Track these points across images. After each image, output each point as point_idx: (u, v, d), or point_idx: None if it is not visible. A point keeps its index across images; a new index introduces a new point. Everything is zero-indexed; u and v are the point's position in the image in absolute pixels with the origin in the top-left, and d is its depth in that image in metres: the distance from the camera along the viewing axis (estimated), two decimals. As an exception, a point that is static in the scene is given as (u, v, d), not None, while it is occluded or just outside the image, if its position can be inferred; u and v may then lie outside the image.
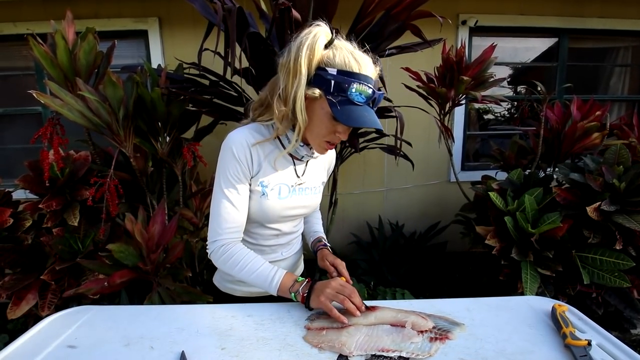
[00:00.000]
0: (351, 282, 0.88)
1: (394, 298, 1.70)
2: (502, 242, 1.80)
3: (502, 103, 2.48)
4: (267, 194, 0.85)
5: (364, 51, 0.78)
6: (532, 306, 0.79)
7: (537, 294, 1.65)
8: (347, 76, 0.73)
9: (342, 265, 0.94)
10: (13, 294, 1.65)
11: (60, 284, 1.71)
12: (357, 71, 0.73)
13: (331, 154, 1.02)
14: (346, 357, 0.64)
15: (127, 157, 1.73)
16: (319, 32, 0.74)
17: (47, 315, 1.71)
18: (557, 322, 0.70)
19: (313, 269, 2.38)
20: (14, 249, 1.68)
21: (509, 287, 1.81)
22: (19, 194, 1.99)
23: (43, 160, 1.57)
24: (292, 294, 0.79)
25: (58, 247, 1.69)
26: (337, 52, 0.74)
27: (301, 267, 1.13)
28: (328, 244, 1.05)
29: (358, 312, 0.73)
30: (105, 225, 1.77)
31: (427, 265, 2.45)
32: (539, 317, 0.75)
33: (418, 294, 2.07)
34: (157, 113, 1.61)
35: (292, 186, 0.89)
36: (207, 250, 0.86)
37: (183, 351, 0.67)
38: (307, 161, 0.92)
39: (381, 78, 1.44)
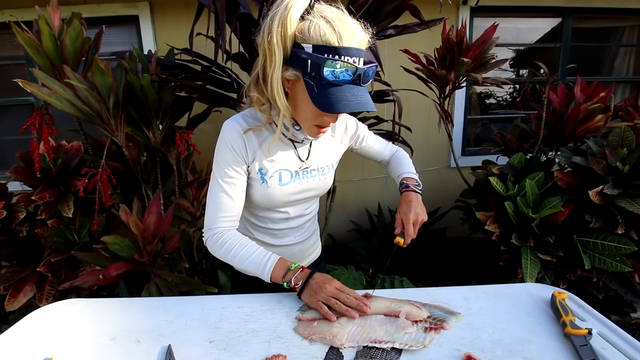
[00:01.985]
0: (405, 245, 0.81)
1: (393, 286, 1.69)
2: (502, 227, 1.77)
3: (503, 86, 2.42)
4: (267, 181, 0.82)
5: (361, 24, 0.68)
6: (531, 294, 0.77)
7: (537, 280, 1.63)
8: (325, 52, 0.63)
9: (411, 222, 0.82)
10: (10, 286, 1.65)
11: (57, 275, 1.71)
12: (337, 44, 0.63)
13: (344, 122, 0.93)
14: (337, 349, 0.62)
15: (120, 147, 1.69)
16: (292, 1, 0.65)
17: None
18: (556, 310, 0.68)
19: (333, 256, 2.37)
20: (9, 241, 1.66)
21: (509, 272, 1.79)
22: (15, 186, 1.97)
23: (33, 151, 1.54)
24: (285, 283, 0.76)
25: (53, 239, 1.67)
26: (311, 24, 0.64)
27: (317, 252, 1.09)
28: (415, 185, 0.91)
29: (356, 315, 0.70)
30: (101, 217, 1.75)
31: (426, 251, 2.43)
32: (538, 305, 0.73)
33: (417, 281, 2.06)
34: (148, 100, 1.56)
35: (296, 171, 0.85)
36: (203, 238, 0.84)
37: (170, 345, 0.65)
38: (311, 142, 0.87)
39: (373, 51, 1.37)
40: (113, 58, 1.80)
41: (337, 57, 0.63)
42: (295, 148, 0.85)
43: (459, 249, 2.47)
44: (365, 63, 0.67)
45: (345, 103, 0.65)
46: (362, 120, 1.99)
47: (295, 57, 0.66)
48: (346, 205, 2.80)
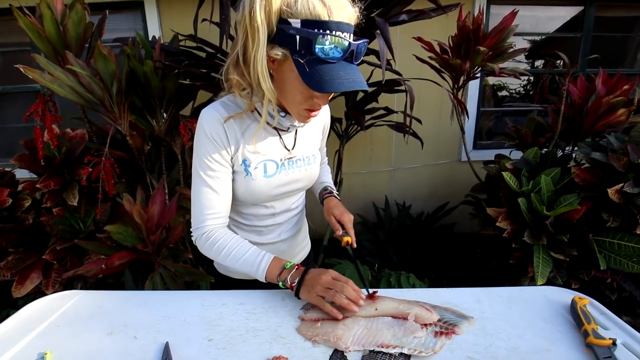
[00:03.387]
0: (355, 244, 0.84)
1: (398, 282, 1.66)
2: (514, 224, 1.72)
3: (518, 78, 2.32)
4: (251, 173, 0.77)
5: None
6: (548, 298, 0.73)
7: (548, 279, 1.58)
8: (314, 27, 0.58)
9: (349, 221, 0.87)
10: (17, 273, 1.66)
11: (63, 263, 1.71)
12: (327, 18, 0.58)
13: (323, 111, 0.90)
14: (342, 352, 0.59)
15: (124, 136, 1.67)
16: None
17: (52, 294, 1.71)
18: (577, 317, 0.64)
19: (338, 249, 2.34)
20: (15, 228, 1.67)
21: (519, 271, 1.74)
22: (22, 174, 1.96)
23: (37, 139, 1.53)
24: (280, 283, 0.72)
25: (58, 227, 1.67)
26: None
27: (306, 250, 1.06)
28: (336, 192, 0.98)
29: (355, 307, 0.66)
30: (105, 205, 1.74)
31: (433, 246, 2.39)
32: (557, 310, 0.69)
33: (423, 277, 2.02)
34: (151, 88, 1.53)
35: (281, 161, 0.81)
36: (192, 238, 0.80)
37: (167, 342, 0.62)
38: (296, 130, 0.83)
39: (385, 37, 1.30)
40: (117, 45, 1.77)
41: (327, 32, 0.58)
42: (280, 137, 0.80)
43: (467, 244, 2.42)
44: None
45: (340, 81, 0.60)
46: (372, 111, 1.93)
47: (282, 34, 0.61)
48: (352, 198, 2.75)
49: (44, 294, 1.76)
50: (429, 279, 2.05)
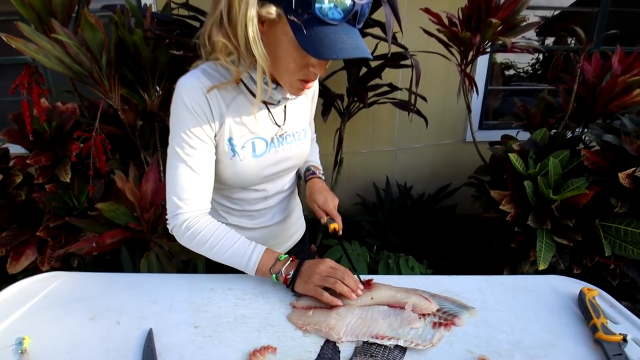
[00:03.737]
0: (340, 230, 0.78)
1: (397, 264, 1.63)
2: (518, 208, 1.67)
3: (532, 53, 2.20)
4: (239, 153, 0.70)
5: None
6: (554, 288, 0.69)
7: (550, 264, 1.55)
8: None
9: (334, 207, 0.80)
10: (11, 249, 1.64)
11: (58, 240, 1.69)
12: None
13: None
14: (334, 343, 0.56)
15: (117, 110, 1.60)
16: None
17: (47, 271, 1.70)
18: (585, 310, 0.60)
19: (314, 230, 2.32)
20: (7, 205, 1.63)
21: (521, 254, 1.71)
22: (17, 149, 1.91)
23: (24, 113, 1.46)
24: (274, 275, 0.67)
25: (51, 204, 1.64)
26: None
27: (302, 230, 1.01)
28: (321, 173, 0.90)
29: (354, 295, 0.62)
30: (99, 183, 1.70)
31: (434, 228, 2.36)
32: (563, 301, 0.65)
33: (422, 258, 2.00)
34: (142, 59, 1.45)
35: (272, 138, 0.74)
36: (167, 226, 0.72)
37: (151, 329, 0.59)
38: (285, 104, 0.76)
39: (392, 5, 1.20)
40: (106, 14, 1.67)
41: None
42: (270, 111, 0.73)
43: (468, 227, 2.39)
44: None
45: (342, 47, 0.53)
46: (375, 87, 1.84)
47: None
48: (353, 178, 2.70)
49: (41, 271, 1.76)
50: (428, 261, 2.03)
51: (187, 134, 0.65)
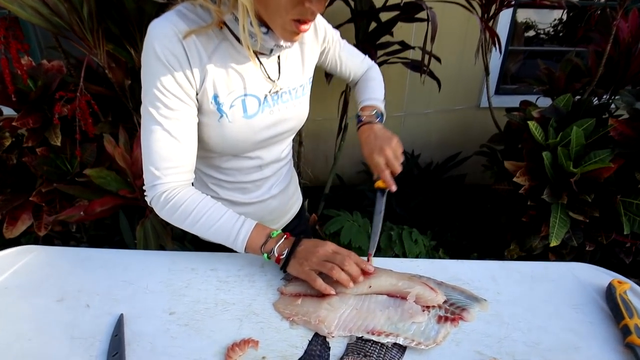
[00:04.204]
0: (393, 187, 0.66)
1: (400, 237, 1.57)
2: (533, 180, 1.57)
3: (563, 8, 1.97)
4: (227, 114, 0.61)
5: None
6: (578, 278, 0.61)
7: (563, 241, 1.48)
8: None
9: (381, 159, 0.66)
10: (6, 214, 1.61)
11: (52, 205, 1.65)
12: None
13: (318, 24, 0.71)
14: (323, 338, 0.49)
15: (103, 68, 1.48)
16: None
17: (44, 236, 1.66)
18: (616, 307, 0.52)
19: (339, 198, 2.25)
20: (-2, 168, 1.58)
21: (531, 229, 1.64)
22: (9, 111, 1.83)
23: (3, 70, 1.36)
24: (265, 255, 0.59)
25: (43, 168, 1.58)
26: None
27: (299, 202, 0.93)
28: (374, 113, 0.76)
29: (351, 284, 0.54)
30: (90, 147, 1.62)
31: (440, 198, 2.27)
32: (589, 295, 0.57)
33: (427, 230, 1.94)
34: (127, 11, 1.30)
35: (265, 96, 0.64)
36: (145, 198, 0.64)
37: (122, 314, 0.54)
38: (278, 54, 0.65)
39: None
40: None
41: None
42: (261, 63, 0.62)
43: (477, 198, 2.30)
44: None
45: None
46: (385, 45, 1.67)
47: None
48: (358, 145, 2.58)
49: (37, 236, 1.74)
50: (432, 232, 1.97)
51: (162, 91, 0.55)
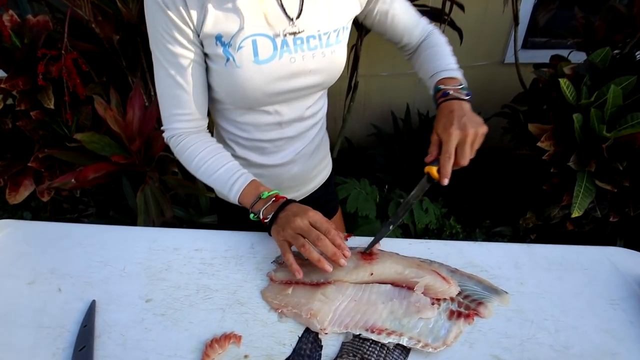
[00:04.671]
0: (445, 180, 0.53)
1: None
2: (559, 146, 1.43)
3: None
4: (234, 56, 0.53)
5: None
6: (616, 266, 0.52)
7: (586, 211, 1.37)
8: None
9: (452, 140, 0.52)
10: (8, 179, 1.59)
11: (53, 171, 1.62)
12: None
13: None
14: (315, 334, 0.43)
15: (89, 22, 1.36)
16: None
17: (43, 203, 1.64)
18: (665, 304, 0.44)
19: (348, 163, 2.17)
20: (-7, 132, 1.53)
21: (551, 198, 1.53)
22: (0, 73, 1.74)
23: (-20, 24, 1.25)
24: (252, 215, 0.55)
25: (39, 133, 1.52)
26: None
27: (326, 172, 0.83)
28: (459, 88, 0.61)
29: (327, 267, 0.47)
30: (85, 110, 1.54)
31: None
32: (629, 287, 0.49)
33: (438, 196, 1.85)
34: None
35: (282, 38, 0.54)
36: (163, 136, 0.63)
37: (94, 301, 0.48)
38: None
39: None
40: None
41: None
42: None
43: (493, 163, 2.17)
44: None
45: None
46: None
47: None
48: (368, 106, 2.43)
49: (40, 201, 1.73)
50: (444, 199, 1.88)
51: (163, 35, 0.52)
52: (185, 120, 0.59)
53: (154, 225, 1.35)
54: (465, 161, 0.53)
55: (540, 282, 0.49)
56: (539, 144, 1.41)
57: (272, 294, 0.48)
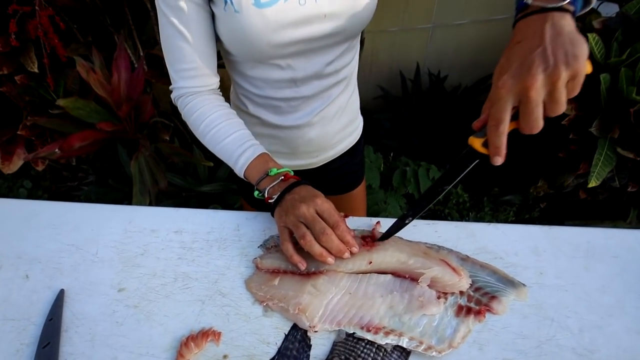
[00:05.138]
0: (494, 158, 0.38)
1: (415, 175, 1.41)
2: (580, 110, 1.32)
3: None
4: (232, 1, 0.46)
5: None
6: (652, 252, 0.45)
7: (604, 180, 1.29)
8: None
9: (503, 105, 0.35)
10: (0, 148, 1.54)
11: (44, 139, 1.56)
12: None
13: None
14: (304, 332, 0.38)
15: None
16: None
17: (43, 171, 1.60)
18: None
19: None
20: (-23, 98, 1.45)
21: (566, 167, 1.44)
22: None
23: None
24: (256, 192, 0.49)
25: (25, 99, 1.44)
26: None
27: (354, 136, 0.73)
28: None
29: (330, 259, 0.41)
30: (71, 73, 1.45)
31: (466, 126, 2.04)
32: (667, 278, 0.42)
33: (446, 163, 1.76)
34: None
35: None
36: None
37: (62, 290, 0.44)
38: None
39: None
40: None
41: None
42: None
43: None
44: None
45: None
46: None
47: None
48: (376, 66, 2.28)
49: (36, 171, 1.69)
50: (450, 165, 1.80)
51: None
52: (191, 76, 0.52)
53: (149, 195, 1.31)
54: (536, 127, 0.34)
55: (563, 272, 0.43)
56: (559, 107, 1.30)
57: (256, 284, 0.43)
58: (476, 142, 0.38)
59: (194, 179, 1.58)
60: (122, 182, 1.68)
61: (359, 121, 0.75)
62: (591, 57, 1.26)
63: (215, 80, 0.55)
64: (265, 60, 0.53)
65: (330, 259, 0.41)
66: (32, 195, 1.89)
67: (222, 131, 0.52)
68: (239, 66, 0.57)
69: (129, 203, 1.34)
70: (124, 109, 1.18)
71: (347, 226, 0.42)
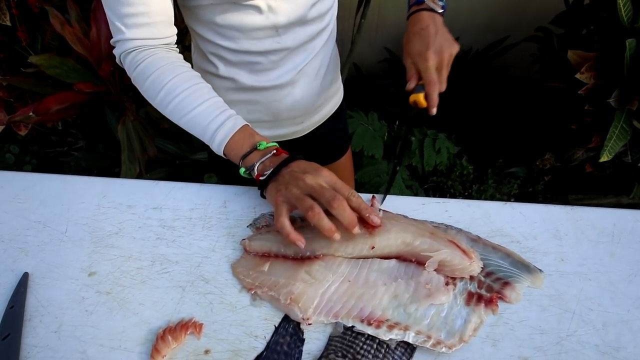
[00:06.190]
0: (431, 109, 0.50)
1: (421, 146, 1.34)
2: (599, 79, 1.23)
3: None
4: None
5: None
6: (685, 237, 0.41)
7: (616, 155, 1.23)
8: None
9: (434, 64, 0.49)
10: (-22, 111, 1.45)
11: (24, 100, 1.46)
12: None
13: None
14: (296, 324, 0.34)
15: None
16: None
17: (26, 136, 1.52)
18: None
19: (355, 92, 1.96)
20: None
21: (579, 139, 1.38)
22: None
23: None
24: (242, 169, 0.42)
25: (-1, 55, 1.33)
26: None
27: (336, 99, 0.68)
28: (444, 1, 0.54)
29: (337, 235, 0.35)
30: (51, 27, 1.33)
31: (475, 93, 1.94)
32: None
33: (452, 132, 1.69)
34: None
35: None
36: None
37: (26, 273, 0.39)
38: None
39: None
40: None
41: None
42: None
43: (516, 96, 1.95)
44: None
45: None
46: None
47: None
48: (382, 26, 2.13)
49: (19, 135, 1.61)
50: (457, 136, 1.73)
51: None
52: (141, 24, 0.42)
53: (139, 163, 1.25)
54: (444, 86, 0.51)
55: (586, 259, 0.38)
56: (578, 75, 1.21)
57: (244, 269, 0.38)
58: (420, 98, 0.50)
59: (188, 146, 1.51)
60: (112, 148, 1.61)
61: (340, 80, 0.69)
62: (616, 20, 1.16)
63: (173, 31, 0.46)
64: (239, 2, 0.44)
65: (337, 236, 0.35)
66: (19, 160, 1.82)
67: (189, 99, 0.43)
68: (204, 13, 0.47)
69: (120, 171, 1.28)
70: (104, 67, 1.08)
71: (361, 199, 0.37)
